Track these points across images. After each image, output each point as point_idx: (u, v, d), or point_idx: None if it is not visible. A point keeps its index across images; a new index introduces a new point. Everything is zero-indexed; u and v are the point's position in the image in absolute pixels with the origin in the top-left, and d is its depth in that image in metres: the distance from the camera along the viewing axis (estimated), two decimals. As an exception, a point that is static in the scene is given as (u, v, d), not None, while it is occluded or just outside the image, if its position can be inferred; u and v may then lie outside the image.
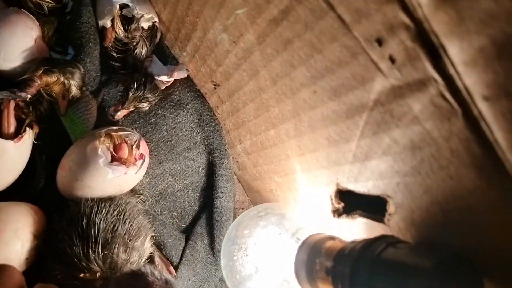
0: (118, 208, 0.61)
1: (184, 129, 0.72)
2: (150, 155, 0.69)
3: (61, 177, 0.62)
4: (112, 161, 0.61)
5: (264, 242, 0.57)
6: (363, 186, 0.45)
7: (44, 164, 0.64)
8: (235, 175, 0.77)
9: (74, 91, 0.65)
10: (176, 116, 0.71)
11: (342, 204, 0.51)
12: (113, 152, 0.61)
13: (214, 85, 0.66)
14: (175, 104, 0.72)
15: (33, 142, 0.62)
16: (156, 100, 0.71)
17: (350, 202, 0.50)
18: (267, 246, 0.57)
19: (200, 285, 0.70)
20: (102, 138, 0.61)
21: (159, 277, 0.47)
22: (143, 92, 0.69)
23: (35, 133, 0.62)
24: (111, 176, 0.61)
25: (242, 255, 0.58)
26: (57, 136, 0.67)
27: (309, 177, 0.54)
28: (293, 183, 0.59)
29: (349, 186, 0.47)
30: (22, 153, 0.61)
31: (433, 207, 0.37)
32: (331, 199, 0.52)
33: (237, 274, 0.59)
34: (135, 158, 0.63)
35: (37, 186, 0.63)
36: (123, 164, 0.61)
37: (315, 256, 0.48)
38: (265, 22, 0.45)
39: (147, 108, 0.71)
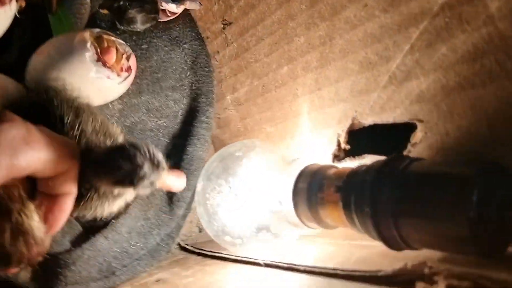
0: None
1: (174, 67, 0.67)
2: (132, 82, 0.63)
3: (36, 62, 0.55)
4: (96, 61, 0.54)
5: (248, 179, 0.53)
6: (388, 115, 0.44)
7: (20, 42, 0.56)
8: (210, 134, 0.72)
9: None
10: (170, 51, 0.67)
11: (348, 147, 0.49)
12: (100, 54, 0.55)
13: (224, 24, 0.64)
14: (173, 39, 0.67)
15: (15, 15, 0.55)
16: (147, 25, 0.66)
17: (358, 144, 0.49)
18: (252, 183, 0.52)
19: (149, 231, 0.62)
20: (93, 36, 0.55)
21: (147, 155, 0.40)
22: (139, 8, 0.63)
23: (19, 6, 0.55)
24: (93, 74, 0.54)
25: (223, 196, 0.53)
26: (39, 28, 0.60)
27: (316, 117, 0.52)
28: (290, 130, 0.56)
29: (369, 119, 0.46)
30: (1, 20, 0.53)
31: (478, 124, 0.36)
32: (339, 140, 0.49)
33: (215, 220, 0.53)
34: (122, 69, 0.58)
35: (9, 59, 0.55)
36: (108, 67, 0.55)
37: (319, 181, 0.44)
38: None
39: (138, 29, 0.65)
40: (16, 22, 0.55)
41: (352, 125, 0.48)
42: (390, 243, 0.36)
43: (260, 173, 0.50)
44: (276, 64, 0.56)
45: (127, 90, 0.63)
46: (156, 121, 0.67)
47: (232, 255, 0.57)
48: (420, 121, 0.40)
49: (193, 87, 0.68)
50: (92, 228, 0.57)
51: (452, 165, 0.35)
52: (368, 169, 0.39)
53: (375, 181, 0.37)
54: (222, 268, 0.56)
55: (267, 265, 0.50)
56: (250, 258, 0.53)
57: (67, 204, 0.40)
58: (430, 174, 0.35)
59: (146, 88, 0.65)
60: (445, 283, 0.29)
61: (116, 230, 0.58)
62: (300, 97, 0.53)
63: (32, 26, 0.58)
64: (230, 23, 0.63)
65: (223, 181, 0.52)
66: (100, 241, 0.56)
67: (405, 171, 0.36)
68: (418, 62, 0.40)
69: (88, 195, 0.42)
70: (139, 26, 0.64)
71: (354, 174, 0.40)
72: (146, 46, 0.66)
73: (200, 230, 0.74)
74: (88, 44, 0.54)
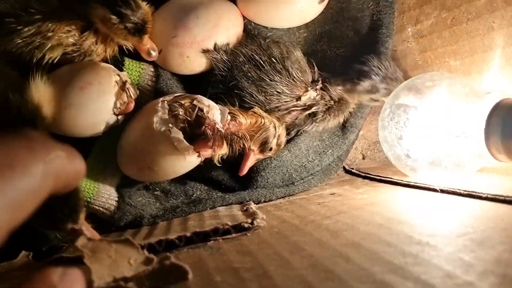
0: None
1: (357, -3, 0.69)
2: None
3: None
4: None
5: (436, 108, 0.54)
6: None
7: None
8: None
9: None
10: (355, -20, 0.69)
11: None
12: None
13: (415, -47, 0.63)
14: (358, -31, 0.69)
15: None
16: None
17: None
18: (440, 112, 0.54)
19: (324, 151, 0.68)
20: None
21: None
22: None
23: None
24: None
25: (410, 122, 0.56)
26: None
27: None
28: (477, 64, 0.56)
29: None
30: None
31: None
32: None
33: (399, 144, 0.57)
34: None
35: None
36: None
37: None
38: None
39: None
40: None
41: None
42: None
43: (449, 103, 0.52)
44: (474, -5, 0.55)
45: (313, 19, 0.67)
46: (335, 51, 0.71)
47: (403, 180, 0.61)
48: None
49: (374, 18, 0.70)
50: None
51: None
52: None
53: None
54: (393, 190, 0.60)
55: (443, 191, 0.53)
56: (425, 184, 0.56)
57: None
58: None
59: (330, 18, 0.69)
60: None
61: (297, 145, 0.66)
62: (496, 30, 0.52)
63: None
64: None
65: (411, 109, 0.54)
66: (285, 153, 0.64)
67: None
68: None
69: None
70: None
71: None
72: (334, -26, 0.68)
73: (364, 157, 0.78)
74: None
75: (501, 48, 0.52)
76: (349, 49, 0.71)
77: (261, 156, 0.62)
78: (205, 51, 0.59)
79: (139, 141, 0.54)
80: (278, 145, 0.61)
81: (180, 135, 0.52)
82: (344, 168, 0.75)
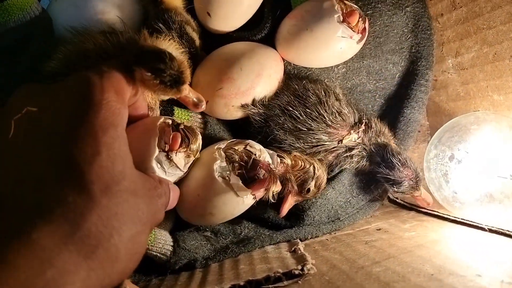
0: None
1: (395, 31, 0.70)
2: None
3: (289, 25, 0.64)
4: (342, 22, 0.61)
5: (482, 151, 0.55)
6: None
7: (270, 16, 0.66)
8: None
9: None
10: (393, 15, 0.69)
11: None
12: (345, 15, 0.61)
13: (453, -13, 0.63)
14: (395, 3, 0.69)
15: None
16: None
17: None
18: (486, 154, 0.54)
19: (367, 185, 0.69)
20: (338, 1, 0.62)
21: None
22: None
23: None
24: (339, 34, 0.61)
25: (455, 164, 0.56)
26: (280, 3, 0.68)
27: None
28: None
29: None
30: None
31: None
32: None
33: (446, 185, 0.58)
34: (359, 30, 0.63)
35: (262, 30, 0.66)
36: (350, 28, 0.61)
37: None
38: None
39: None
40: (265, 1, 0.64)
41: None
42: None
43: (495, 145, 0.52)
44: (515, 33, 0.55)
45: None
46: (375, 83, 0.72)
47: (450, 216, 0.61)
48: None
49: (413, 50, 0.71)
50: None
51: None
52: None
53: None
54: (440, 226, 0.60)
55: (491, 231, 0.53)
56: (472, 222, 0.56)
57: None
58: None
59: (369, 53, 0.70)
60: None
61: (341, 182, 0.67)
62: (541, 69, 0.52)
63: (276, 3, 0.67)
64: (462, -13, 0.62)
65: (456, 151, 0.55)
66: (329, 191, 0.66)
67: None
68: None
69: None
70: None
71: None
72: (371, 11, 0.69)
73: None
74: (336, 7, 0.61)
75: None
76: (388, 81, 0.72)
77: (299, 198, 0.63)
78: (244, 106, 0.61)
79: (201, 189, 0.56)
80: (317, 187, 0.62)
81: (239, 180, 0.55)
82: (388, 197, 0.75)
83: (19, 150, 0.38)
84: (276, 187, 0.58)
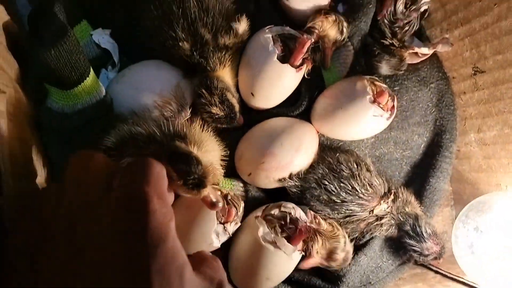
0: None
1: (421, 105, 0.76)
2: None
3: (324, 103, 0.70)
4: (373, 102, 0.67)
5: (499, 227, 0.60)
6: None
7: (307, 95, 0.72)
8: (449, 162, 0.79)
9: (345, 33, 0.71)
10: (418, 91, 0.75)
11: None
12: (376, 96, 0.66)
13: (475, 71, 0.69)
14: (421, 80, 0.75)
15: (304, 76, 0.70)
16: (398, 71, 0.75)
17: None
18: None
19: (396, 249, 0.74)
20: (369, 81, 0.67)
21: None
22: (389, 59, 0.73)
23: (307, 69, 0.69)
24: (371, 113, 0.67)
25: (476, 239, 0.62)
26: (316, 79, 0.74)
27: None
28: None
29: None
30: (296, 80, 0.69)
31: None
32: None
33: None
34: (388, 108, 0.68)
35: (299, 107, 0.72)
36: (381, 107, 0.67)
37: None
38: None
39: (389, 72, 0.75)
40: (303, 80, 0.71)
41: None
42: None
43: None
44: (533, 120, 0.60)
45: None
46: (401, 152, 0.77)
47: (476, 284, 0.65)
48: None
49: (437, 123, 0.76)
50: (356, 247, 0.71)
51: None
52: None
53: None
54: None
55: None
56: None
57: None
58: None
59: (396, 125, 0.75)
60: None
61: (372, 248, 0.71)
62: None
63: (313, 83, 0.73)
64: (483, 72, 0.68)
65: (481, 228, 0.60)
66: (362, 258, 0.70)
67: None
68: None
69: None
70: (384, 72, 0.74)
71: None
72: (398, 87, 0.75)
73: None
74: (368, 89, 0.67)
75: None
76: (414, 151, 0.77)
77: (324, 263, 0.66)
78: (281, 180, 0.67)
79: (251, 257, 0.61)
80: (344, 260, 0.66)
81: (284, 241, 0.60)
82: (415, 260, 0.79)
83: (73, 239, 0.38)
84: (316, 242, 0.63)
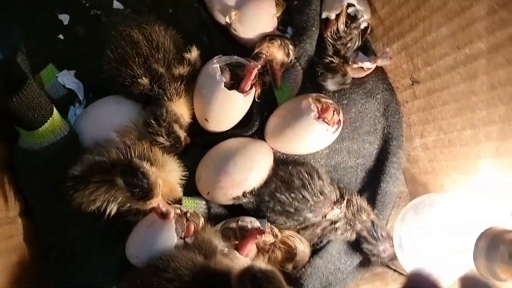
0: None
1: (369, 115, 0.81)
2: (336, 130, 0.79)
3: (274, 123, 0.77)
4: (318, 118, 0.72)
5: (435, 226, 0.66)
6: None
7: (258, 116, 0.78)
8: (402, 166, 0.84)
9: (292, 55, 0.77)
10: (365, 103, 0.81)
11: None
12: (320, 113, 0.72)
13: (412, 81, 0.74)
14: (367, 92, 0.81)
15: (254, 99, 0.76)
16: (344, 85, 0.80)
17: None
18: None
19: (353, 252, 0.79)
20: (314, 99, 0.73)
21: None
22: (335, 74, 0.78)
23: (256, 93, 0.75)
24: (316, 128, 0.72)
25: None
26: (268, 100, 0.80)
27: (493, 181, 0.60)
28: (474, 183, 0.65)
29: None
30: (246, 104, 0.75)
31: None
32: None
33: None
34: (334, 122, 0.74)
35: (252, 128, 0.78)
36: (326, 122, 0.72)
37: (497, 244, 0.54)
38: (505, 35, 0.52)
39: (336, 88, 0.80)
40: (254, 102, 0.77)
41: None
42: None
43: (448, 222, 0.63)
44: (460, 126, 0.65)
45: (332, 138, 0.80)
46: (355, 160, 0.83)
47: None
48: None
49: (385, 131, 0.82)
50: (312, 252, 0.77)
51: None
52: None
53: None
54: None
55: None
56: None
57: None
58: None
59: (347, 136, 0.81)
60: None
61: (328, 252, 0.77)
62: (483, 159, 0.62)
63: (264, 104, 0.79)
64: (418, 82, 0.73)
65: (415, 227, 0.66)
66: (317, 260, 0.76)
67: None
68: None
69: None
70: (331, 88, 0.80)
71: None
72: (346, 101, 0.80)
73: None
74: (312, 106, 0.72)
75: (488, 175, 0.62)
76: (367, 158, 0.82)
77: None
78: (235, 198, 0.73)
79: None
80: (299, 261, 0.75)
81: (236, 253, 0.68)
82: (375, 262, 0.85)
83: None
84: (266, 237, 0.71)
